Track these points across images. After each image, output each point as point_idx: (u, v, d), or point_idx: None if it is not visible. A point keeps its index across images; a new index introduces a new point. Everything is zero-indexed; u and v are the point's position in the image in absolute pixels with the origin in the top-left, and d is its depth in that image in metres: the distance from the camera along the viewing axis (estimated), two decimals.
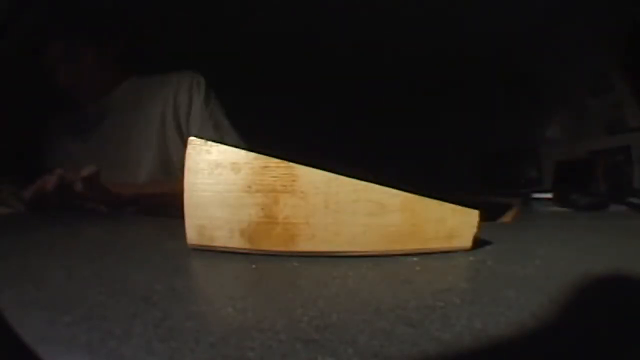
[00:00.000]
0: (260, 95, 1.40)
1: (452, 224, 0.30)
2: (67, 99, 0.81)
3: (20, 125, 0.82)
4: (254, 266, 0.28)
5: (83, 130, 0.82)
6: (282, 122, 1.49)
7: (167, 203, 0.66)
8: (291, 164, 0.30)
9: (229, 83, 0.85)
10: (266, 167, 0.30)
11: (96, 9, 0.77)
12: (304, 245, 0.30)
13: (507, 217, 0.92)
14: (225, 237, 0.30)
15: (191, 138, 0.32)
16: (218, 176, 0.30)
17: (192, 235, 0.31)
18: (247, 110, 0.92)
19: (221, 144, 0.31)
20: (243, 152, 0.30)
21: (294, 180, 0.29)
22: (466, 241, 0.31)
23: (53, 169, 0.60)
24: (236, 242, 0.30)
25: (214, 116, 0.81)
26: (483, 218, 0.31)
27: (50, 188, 0.60)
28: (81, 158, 0.79)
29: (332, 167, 0.30)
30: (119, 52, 0.80)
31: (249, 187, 0.30)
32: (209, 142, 0.31)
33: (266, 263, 0.29)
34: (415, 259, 0.29)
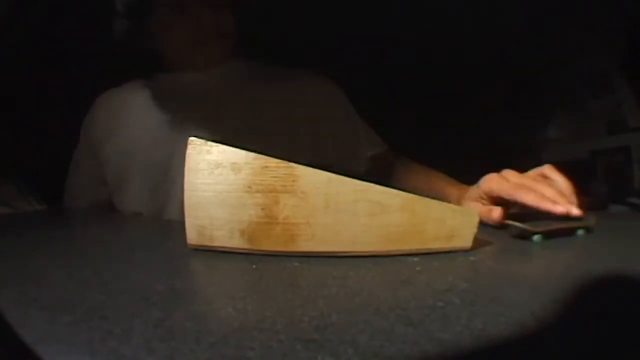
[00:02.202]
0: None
1: (453, 224, 0.30)
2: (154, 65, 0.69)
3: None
4: (254, 266, 0.28)
5: (169, 96, 0.67)
6: None
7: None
8: (291, 164, 0.30)
9: None
10: (266, 167, 0.30)
11: None
12: (304, 245, 0.30)
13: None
14: (225, 237, 0.30)
15: (191, 138, 0.32)
16: (218, 176, 0.30)
17: (192, 235, 0.31)
18: None
19: (221, 144, 0.31)
20: (243, 152, 0.30)
21: (294, 181, 0.29)
22: (466, 241, 0.31)
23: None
24: (236, 242, 0.30)
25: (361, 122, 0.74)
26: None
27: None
28: (184, 121, 0.65)
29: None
30: (232, 26, 0.66)
31: (249, 187, 0.30)
32: (209, 142, 0.31)
33: (266, 263, 0.29)
34: (415, 259, 0.29)
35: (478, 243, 0.31)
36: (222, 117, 0.65)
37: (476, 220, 0.31)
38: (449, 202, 0.48)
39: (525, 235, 0.35)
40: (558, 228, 0.36)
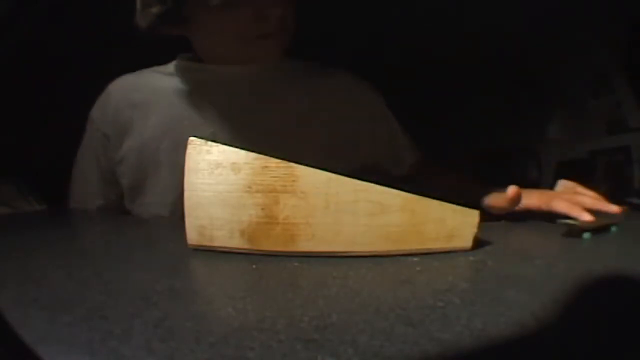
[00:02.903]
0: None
1: (453, 224, 0.30)
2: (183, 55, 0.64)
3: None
4: (254, 266, 0.28)
5: (203, 90, 0.61)
6: None
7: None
8: (291, 164, 0.30)
9: None
10: (266, 167, 0.30)
11: None
12: (304, 245, 0.30)
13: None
14: (226, 237, 0.30)
15: (191, 138, 0.32)
16: (218, 176, 0.30)
17: (192, 235, 0.31)
18: None
19: (221, 144, 0.31)
20: (243, 153, 0.30)
21: (294, 181, 0.29)
22: (466, 241, 0.31)
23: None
24: (236, 242, 0.30)
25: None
26: (483, 218, 0.31)
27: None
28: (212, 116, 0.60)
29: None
30: (294, 20, 0.61)
31: (249, 187, 0.30)
32: (209, 142, 0.31)
33: (266, 263, 0.29)
34: (415, 259, 0.29)
35: (478, 243, 0.31)
36: (261, 116, 0.60)
37: (476, 220, 0.31)
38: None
39: (575, 233, 0.37)
40: (602, 224, 0.39)
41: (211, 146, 0.31)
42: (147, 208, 0.62)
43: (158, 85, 0.62)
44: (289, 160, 0.30)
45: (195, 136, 0.32)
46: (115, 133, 0.62)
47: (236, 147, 0.31)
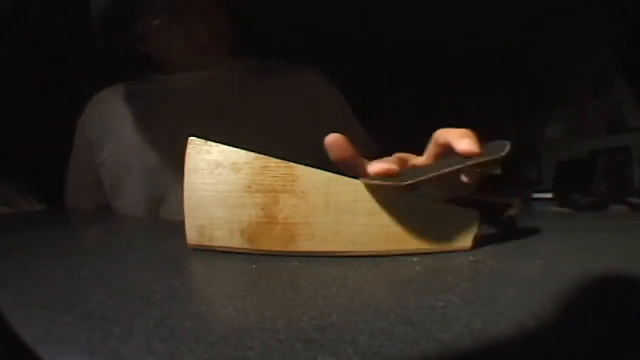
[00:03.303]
0: None
1: (453, 224, 0.30)
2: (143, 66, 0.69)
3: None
4: (254, 266, 0.28)
5: (165, 98, 0.67)
6: None
7: None
8: (291, 164, 0.30)
9: None
10: (266, 167, 0.30)
11: None
12: (304, 245, 0.30)
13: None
14: (226, 237, 0.30)
15: (191, 138, 0.32)
16: (218, 176, 0.30)
17: (192, 235, 0.31)
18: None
19: (221, 144, 0.31)
20: (243, 153, 0.30)
21: (294, 181, 0.29)
22: (466, 241, 0.31)
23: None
24: (236, 242, 0.30)
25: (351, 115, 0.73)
26: (483, 218, 0.31)
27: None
28: (172, 124, 0.64)
29: (332, 167, 0.30)
30: (228, 28, 0.67)
31: (249, 187, 0.30)
32: (209, 142, 0.31)
33: (266, 263, 0.29)
34: (415, 259, 0.29)
35: (478, 243, 0.31)
36: (220, 118, 0.64)
37: (476, 220, 0.31)
38: None
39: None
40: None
41: (211, 146, 0.31)
42: (125, 209, 0.67)
43: (133, 97, 0.69)
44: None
45: (161, 141, 0.32)
46: (98, 140, 0.68)
47: None
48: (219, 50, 0.67)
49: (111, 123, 0.68)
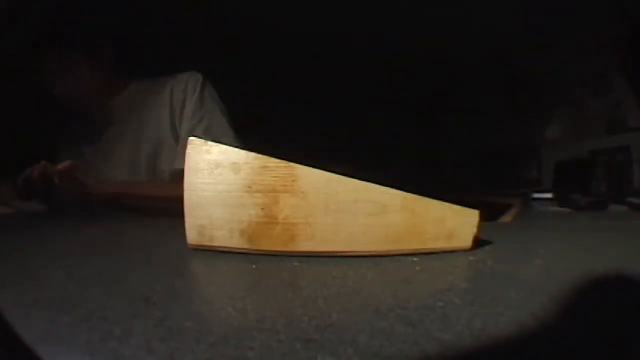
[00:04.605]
0: (258, 96, 1.40)
1: (453, 224, 0.30)
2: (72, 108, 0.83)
3: (30, 127, 0.84)
4: (254, 266, 0.28)
5: (92, 133, 0.85)
6: (282, 122, 1.49)
7: (148, 205, 0.69)
8: (291, 164, 0.30)
9: (228, 84, 0.85)
10: (266, 167, 0.30)
11: (80, 21, 0.79)
12: (304, 246, 0.30)
13: (508, 217, 0.92)
14: (226, 237, 0.30)
15: (191, 138, 0.32)
16: (218, 176, 0.30)
17: (192, 235, 0.31)
18: (246, 111, 0.92)
19: (221, 144, 0.31)
20: (243, 153, 0.30)
21: (294, 181, 0.29)
22: (466, 241, 0.31)
23: (41, 160, 0.65)
24: (236, 242, 0.30)
25: (207, 118, 0.79)
26: (483, 218, 0.31)
27: (35, 176, 0.64)
28: (93, 160, 0.83)
29: (332, 168, 0.30)
30: (110, 60, 0.82)
31: (249, 187, 0.30)
32: (210, 142, 0.31)
33: (266, 263, 0.29)
34: (415, 259, 0.29)
35: (478, 243, 0.31)
36: (112, 140, 0.83)
37: (476, 220, 0.31)
38: None
39: None
40: None
41: (211, 146, 0.31)
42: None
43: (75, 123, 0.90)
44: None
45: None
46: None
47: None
48: (104, 85, 0.82)
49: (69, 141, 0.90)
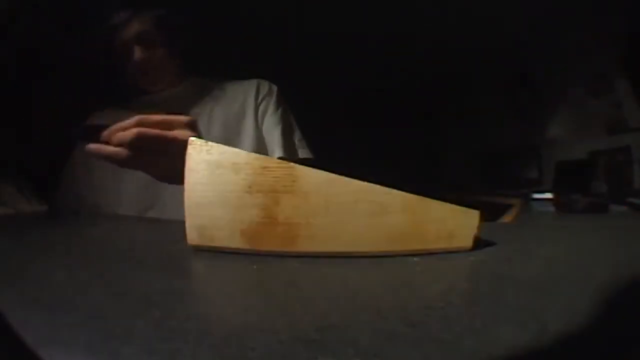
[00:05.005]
0: None
1: (453, 224, 0.30)
2: (122, 91, 0.82)
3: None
4: (254, 266, 0.28)
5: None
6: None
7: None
8: (292, 164, 0.30)
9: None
10: (266, 167, 0.30)
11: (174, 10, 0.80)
12: (305, 246, 0.30)
13: (508, 217, 0.92)
14: (226, 237, 0.30)
15: (191, 139, 0.32)
16: (219, 176, 0.30)
17: (193, 235, 0.31)
18: None
19: (221, 144, 0.31)
20: (243, 153, 0.30)
21: (294, 181, 0.29)
22: (467, 241, 0.31)
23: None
24: (237, 242, 0.30)
25: (296, 127, 0.84)
26: (483, 218, 0.31)
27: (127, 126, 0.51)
28: None
29: (332, 168, 0.30)
30: (186, 48, 0.82)
31: (250, 187, 0.30)
32: (210, 143, 0.31)
33: (267, 263, 0.29)
34: (415, 259, 0.29)
35: (478, 243, 0.31)
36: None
37: (476, 220, 0.31)
38: None
39: None
40: None
41: (211, 146, 0.31)
42: (116, 209, 0.76)
43: (116, 114, 0.83)
44: None
45: None
46: None
47: None
48: (159, 77, 0.81)
49: None
